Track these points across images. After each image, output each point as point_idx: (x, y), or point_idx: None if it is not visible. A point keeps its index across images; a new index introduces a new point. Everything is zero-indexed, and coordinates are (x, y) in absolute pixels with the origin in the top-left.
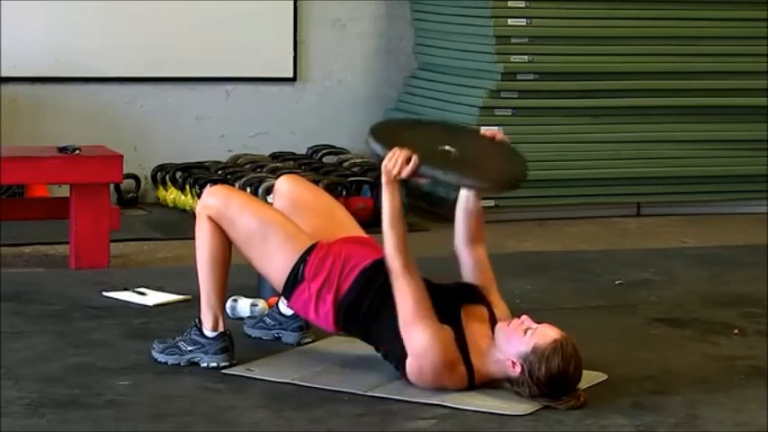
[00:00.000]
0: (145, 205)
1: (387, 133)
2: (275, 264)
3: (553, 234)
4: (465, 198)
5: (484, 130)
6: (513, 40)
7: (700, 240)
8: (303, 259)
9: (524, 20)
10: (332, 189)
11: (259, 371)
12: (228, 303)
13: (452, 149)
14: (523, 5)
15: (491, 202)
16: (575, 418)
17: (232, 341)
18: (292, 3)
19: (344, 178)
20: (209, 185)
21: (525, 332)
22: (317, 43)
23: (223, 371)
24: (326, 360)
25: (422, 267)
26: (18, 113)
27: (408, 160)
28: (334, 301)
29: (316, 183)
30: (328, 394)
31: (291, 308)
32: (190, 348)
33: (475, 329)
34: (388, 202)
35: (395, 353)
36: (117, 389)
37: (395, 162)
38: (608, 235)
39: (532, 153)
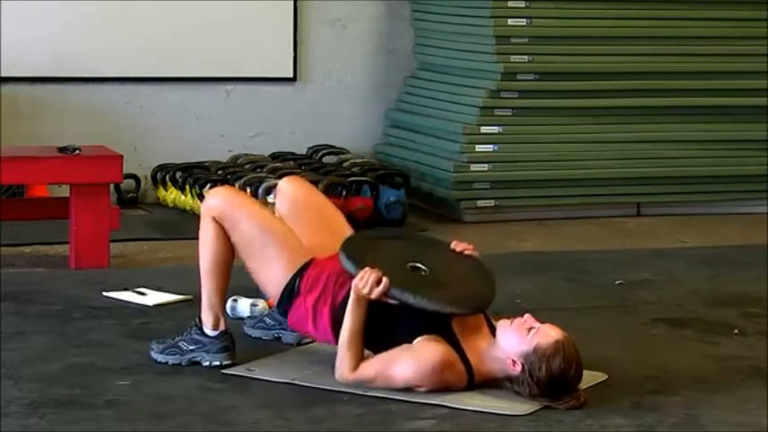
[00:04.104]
0: (145, 205)
1: (358, 248)
2: (271, 274)
3: (553, 234)
4: None
5: (454, 244)
6: (513, 40)
7: (700, 240)
8: (299, 274)
9: (524, 20)
10: (332, 189)
11: (259, 371)
12: (228, 303)
13: (422, 267)
14: (523, 5)
15: (491, 202)
16: (575, 418)
17: (233, 340)
18: (292, 3)
19: (344, 178)
20: (208, 185)
21: (528, 331)
22: (317, 43)
23: (223, 371)
24: (326, 360)
25: None
26: (18, 113)
27: (379, 282)
28: (330, 312)
29: (316, 183)
30: (328, 394)
31: (290, 325)
32: (191, 348)
33: (470, 331)
34: (351, 321)
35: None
36: (117, 389)
37: (365, 282)
38: (608, 235)
39: (532, 153)
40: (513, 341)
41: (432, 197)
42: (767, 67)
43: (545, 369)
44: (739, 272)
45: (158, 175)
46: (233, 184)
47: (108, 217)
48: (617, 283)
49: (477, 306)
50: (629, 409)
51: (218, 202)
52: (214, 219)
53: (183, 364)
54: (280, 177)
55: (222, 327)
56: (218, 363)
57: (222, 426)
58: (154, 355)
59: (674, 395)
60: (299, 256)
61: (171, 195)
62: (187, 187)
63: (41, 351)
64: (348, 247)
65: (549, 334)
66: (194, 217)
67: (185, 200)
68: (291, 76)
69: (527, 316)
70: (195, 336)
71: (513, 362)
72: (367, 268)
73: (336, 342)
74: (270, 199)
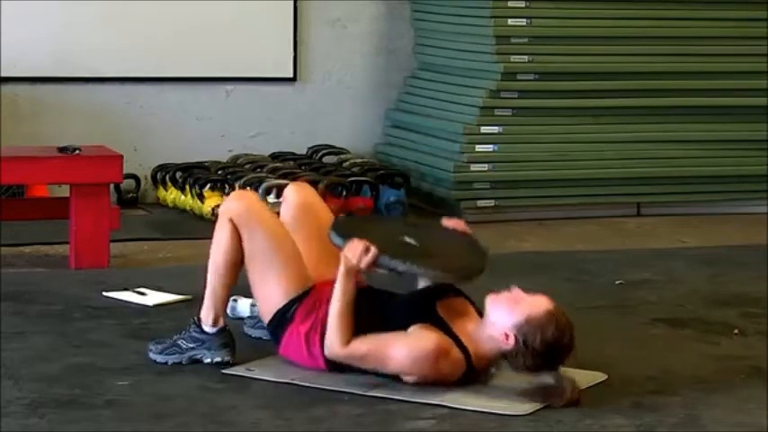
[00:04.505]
0: (145, 205)
1: (348, 227)
2: (269, 292)
3: (553, 234)
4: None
5: (446, 221)
6: (513, 40)
7: (700, 240)
8: (298, 300)
9: (524, 20)
10: (332, 189)
11: (259, 371)
12: (228, 303)
13: (412, 241)
14: (523, 5)
15: (491, 202)
16: (574, 418)
17: (232, 337)
18: (292, 3)
19: (344, 178)
20: (208, 185)
21: (517, 303)
22: (317, 43)
23: (223, 371)
24: None
25: None
26: (18, 113)
27: (367, 250)
28: (321, 340)
29: (316, 183)
30: (328, 394)
31: (282, 354)
32: (191, 346)
33: (458, 316)
34: (341, 294)
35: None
36: (117, 389)
37: (353, 252)
38: (608, 235)
39: (532, 153)
40: (504, 314)
41: (432, 197)
42: (767, 67)
43: (540, 338)
44: (739, 272)
45: (158, 175)
46: (233, 184)
47: (108, 217)
48: (617, 283)
49: (470, 274)
50: (629, 409)
51: (238, 206)
52: (231, 220)
53: (184, 362)
54: (280, 177)
55: (221, 324)
56: (219, 359)
57: (222, 426)
58: (153, 356)
59: (674, 395)
60: (301, 282)
61: (171, 195)
62: (187, 187)
63: (41, 351)
64: (337, 225)
65: (539, 304)
66: (194, 217)
67: (185, 200)
68: (291, 76)
69: (514, 288)
70: (194, 334)
71: (506, 335)
72: (354, 239)
73: (328, 368)
74: (270, 199)
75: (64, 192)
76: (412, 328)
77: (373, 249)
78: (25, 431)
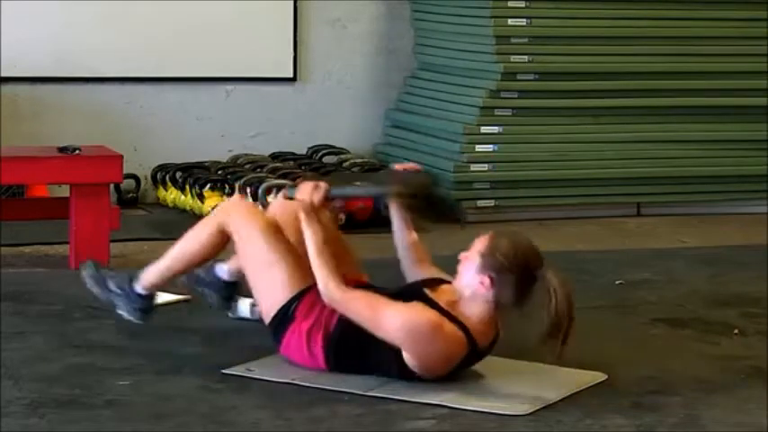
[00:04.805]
0: (145, 205)
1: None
2: (270, 294)
3: (553, 234)
4: (400, 235)
5: (396, 165)
6: (513, 40)
7: (700, 240)
8: (298, 298)
9: (524, 20)
10: None
11: (259, 371)
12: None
13: (363, 183)
14: (523, 5)
15: (491, 202)
16: (574, 418)
17: (153, 307)
18: (292, 3)
19: None
20: (208, 185)
21: (468, 258)
22: (317, 43)
23: (223, 371)
24: None
25: None
26: (18, 113)
27: (317, 187)
28: (323, 339)
29: None
30: (328, 394)
31: (283, 353)
32: (117, 291)
33: (444, 296)
34: (310, 238)
35: (396, 367)
36: (117, 389)
37: (304, 191)
38: (608, 235)
39: (532, 153)
40: (467, 270)
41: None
42: (767, 67)
43: (504, 259)
44: (739, 272)
45: (158, 175)
46: (233, 184)
47: (108, 217)
48: (617, 283)
49: (414, 185)
50: (629, 409)
51: (237, 216)
52: (220, 224)
53: (102, 299)
54: (280, 177)
55: (151, 292)
56: (129, 318)
57: (222, 426)
58: (83, 272)
59: (674, 395)
60: (301, 279)
61: (171, 195)
62: (187, 187)
63: (41, 351)
64: (294, 187)
65: (481, 240)
66: (194, 217)
67: (185, 200)
68: (291, 76)
69: (460, 255)
70: (125, 285)
71: (482, 282)
72: (302, 181)
73: (329, 369)
74: (270, 199)
75: (64, 192)
76: (413, 303)
77: (322, 183)
78: (25, 431)
